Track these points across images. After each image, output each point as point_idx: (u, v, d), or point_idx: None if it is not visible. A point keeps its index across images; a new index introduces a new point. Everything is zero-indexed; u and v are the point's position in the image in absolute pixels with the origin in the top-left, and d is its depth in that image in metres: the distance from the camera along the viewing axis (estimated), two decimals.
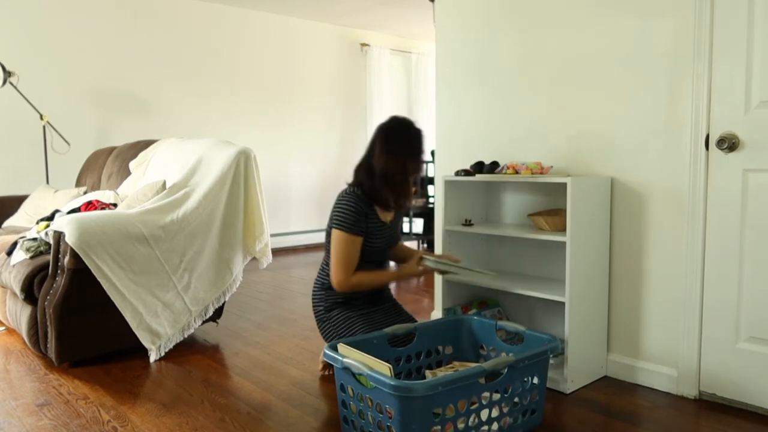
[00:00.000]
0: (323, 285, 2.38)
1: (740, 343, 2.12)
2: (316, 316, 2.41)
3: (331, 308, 2.35)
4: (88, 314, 2.64)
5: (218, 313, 3.09)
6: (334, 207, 2.29)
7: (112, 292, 2.57)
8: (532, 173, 2.44)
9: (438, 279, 3.09)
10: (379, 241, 2.35)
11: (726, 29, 2.09)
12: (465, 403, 1.73)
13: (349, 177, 2.39)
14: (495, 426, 1.84)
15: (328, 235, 2.33)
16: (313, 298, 2.43)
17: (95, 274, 2.53)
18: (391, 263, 2.62)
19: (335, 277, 2.24)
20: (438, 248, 2.93)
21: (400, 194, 2.30)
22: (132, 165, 3.66)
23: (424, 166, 2.36)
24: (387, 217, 2.40)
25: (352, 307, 2.34)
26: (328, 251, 2.36)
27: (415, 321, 2.37)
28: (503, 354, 2.17)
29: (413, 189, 2.36)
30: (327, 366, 2.56)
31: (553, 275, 2.66)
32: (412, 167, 2.29)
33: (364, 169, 2.31)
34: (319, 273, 2.44)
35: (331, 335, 2.33)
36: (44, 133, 4.56)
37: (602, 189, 2.41)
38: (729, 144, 2.08)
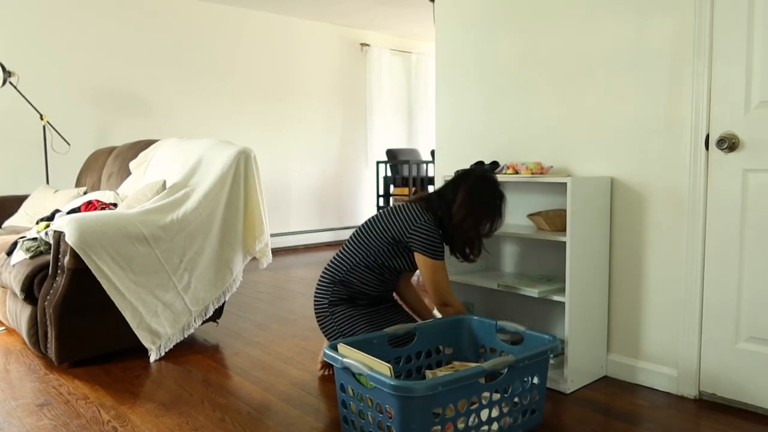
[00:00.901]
0: (333, 279, 2.36)
1: (740, 343, 2.12)
2: (317, 311, 2.38)
3: (336, 303, 2.34)
4: (88, 314, 2.64)
5: (218, 313, 3.09)
6: (414, 230, 2.27)
7: (112, 292, 2.57)
8: (532, 173, 2.44)
9: None
10: (409, 264, 2.38)
11: (726, 29, 2.09)
12: (465, 403, 1.73)
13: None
14: (495, 426, 1.84)
15: (379, 240, 2.31)
16: (316, 292, 2.41)
17: (95, 274, 2.53)
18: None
19: (443, 299, 2.34)
20: None
21: (468, 247, 2.34)
22: (132, 165, 3.66)
23: (501, 223, 2.38)
24: None
25: (356, 306, 2.34)
26: (360, 249, 2.33)
27: (417, 321, 2.37)
28: (503, 354, 2.17)
29: (482, 247, 2.38)
30: (326, 366, 2.56)
31: (553, 275, 2.66)
32: (488, 229, 2.32)
33: (443, 209, 2.32)
34: (332, 267, 2.39)
35: (333, 333, 2.33)
36: (44, 133, 4.56)
37: (602, 189, 2.41)
38: (729, 144, 2.08)
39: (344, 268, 2.35)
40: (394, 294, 2.64)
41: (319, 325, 2.39)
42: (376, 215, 2.39)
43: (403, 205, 2.38)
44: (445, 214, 2.31)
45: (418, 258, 2.30)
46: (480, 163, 2.71)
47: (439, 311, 2.38)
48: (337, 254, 2.42)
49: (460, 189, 2.31)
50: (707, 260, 2.18)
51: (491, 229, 2.33)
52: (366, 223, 2.39)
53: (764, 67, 2.02)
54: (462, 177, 2.35)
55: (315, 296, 2.42)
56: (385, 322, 2.31)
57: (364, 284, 2.33)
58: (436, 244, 2.27)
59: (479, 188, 2.30)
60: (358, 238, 2.36)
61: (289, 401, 2.26)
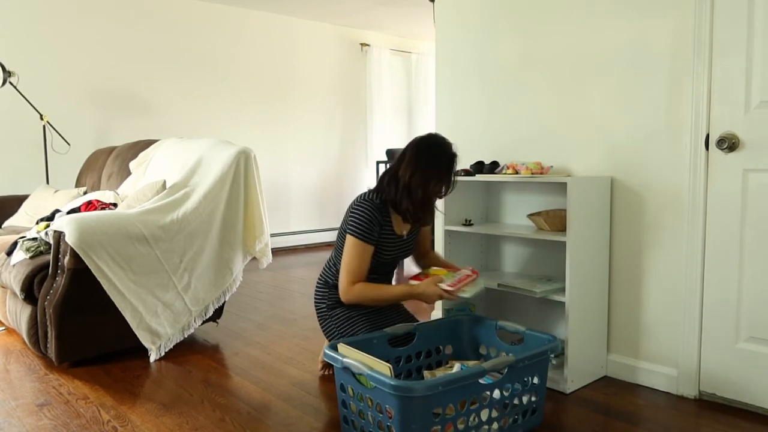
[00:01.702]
0: (327, 283, 2.38)
1: (740, 342, 2.12)
2: (318, 314, 2.40)
3: (334, 306, 2.35)
4: (88, 314, 2.64)
5: (218, 313, 3.09)
6: (350, 211, 2.26)
7: (112, 292, 2.57)
8: (532, 173, 2.44)
9: None
10: (389, 254, 2.32)
11: (726, 29, 2.09)
12: (465, 403, 1.73)
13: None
14: (495, 426, 1.84)
15: (341, 236, 2.32)
16: (315, 295, 2.42)
17: (95, 274, 2.53)
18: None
19: (340, 284, 2.22)
20: (438, 248, 2.93)
21: (418, 208, 2.24)
22: (132, 165, 3.66)
23: (450, 189, 2.30)
24: (403, 229, 2.35)
25: (354, 307, 2.34)
26: (338, 250, 2.35)
27: (417, 321, 2.37)
28: (503, 354, 2.17)
29: (433, 206, 2.31)
30: (326, 366, 2.56)
31: (553, 275, 2.66)
32: (436, 187, 2.22)
33: (389, 176, 2.26)
34: (325, 270, 2.42)
35: (333, 334, 2.33)
36: (44, 133, 4.56)
37: (602, 189, 2.41)
38: (729, 144, 2.08)
39: (332, 272, 2.37)
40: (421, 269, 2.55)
41: (321, 327, 2.40)
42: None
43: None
44: (393, 182, 2.23)
45: (346, 240, 2.21)
46: (480, 164, 2.71)
47: (342, 295, 2.22)
48: (328, 258, 2.43)
49: (407, 152, 2.24)
50: (707, 260, 2.18)
51: (442, 190, 2.24)
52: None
53: (764, 66, 2.02)
54: (410, 142, 2.28)
55: (315, 300, 2.43)
56: (385, 322, 2.31)
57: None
58: (361, 222, 2.18)
59: (424, 147, 2.23)
60: (336, 242, 2.38)
61: (289, 401, 2.26)
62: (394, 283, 2.48)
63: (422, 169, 2.20)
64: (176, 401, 2.27)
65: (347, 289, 2.20)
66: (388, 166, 6.40)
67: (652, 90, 2.30)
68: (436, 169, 2.21)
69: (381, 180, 2.30)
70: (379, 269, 2.36)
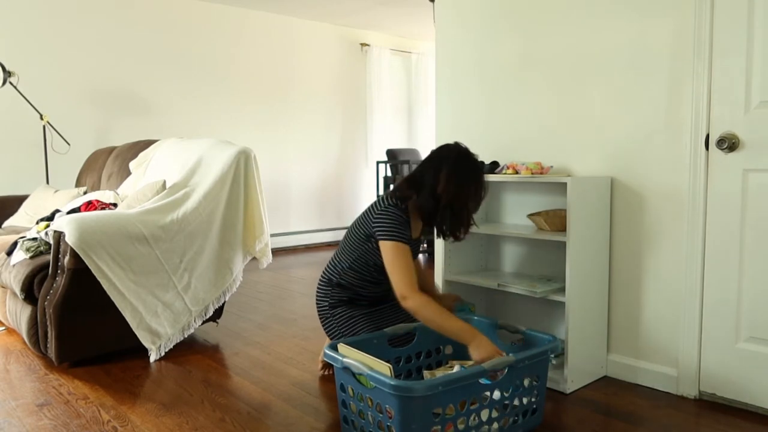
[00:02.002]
0: (330, 281, 2.37)
1: (740, 342, 2.12)
2: (319, 312, 2.39)
3: (336, 305, 2.34)
4: (88, 314, 2.64)
5: (218, 313, 3.09)
6: (376, 217, 2.22)
7: (112, 292, 2.57)
8: (532, 173, 2.44)
9: (438, 279, 3.09)
10: None
11: (726, 29, 2.09)
12: (465, 403, 1.73)
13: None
14: (495, 426, 1.84)
15: (351, 237, 2.31)
16: (317, 293, 2.41)
17: (95, 274, 2.53)
18: None
19: (400, 289, 2.12)
20: (438, 248, 2.92)
21: (459, 225, 2.24)
22: (132, 165, 3.66)
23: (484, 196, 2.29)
24: (416, 233, 2.36)
25: (356, 306, 2.34)
26: (344, 251, 2.33)
27: (418, 321, 2.37)
28: (503, 354, 2.17)
29: (471, 221, 2.30)
30: (326, 366, 2.56)
31: (553, 275, 2.66)
32: (476, 204, 2.24)
33: (426, 192, 2.21)
34: (328, 268, 2.40)
35: (335, 333, 2.33)
36: (44, 133, 4.56)
37: (602, 189, 2.41)
38: (729, 144, 2.08)
39: (337, 272, 2.36)
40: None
41: (322, 325, 2.39)
42: (358, 217, 2.38)
43: (375, 200, 2.32)
44: (428, 198, 2.21)
45: (382, 246, 2.18)
46: (480, 163, 2.71)
47: (404, 300, 2.11)
48: (332, 256, 2.43)
49: (443, 170, 2.21)
50: (707, 260, 2.18)
51: (479, 204, 2.27)
52: (351, 225, 2.38)
53: (764, 66, 2.02)
54: (440, 157, 2.25)
55: (316, 298, 2.42)
56: (387, 321, 2.31)
57: (356, 286, 2.33)
58: (395, 226, 2.17)
59: (464, 165, 2.23)
60: (344, 241, 2.37)
61: (289, 401, 2.26)
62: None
63: (464, 188, 2.19)
64: (176, 401, 2.27)
65: (409, 294, 2.08)
66: (388, 166, 6.40)
67: (652, 90, 2.30)
68: (476, 183, 2.21)
69: (405, 190, 2.26)
70: (383, 278, 2.37)
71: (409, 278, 2.11)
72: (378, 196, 2.31)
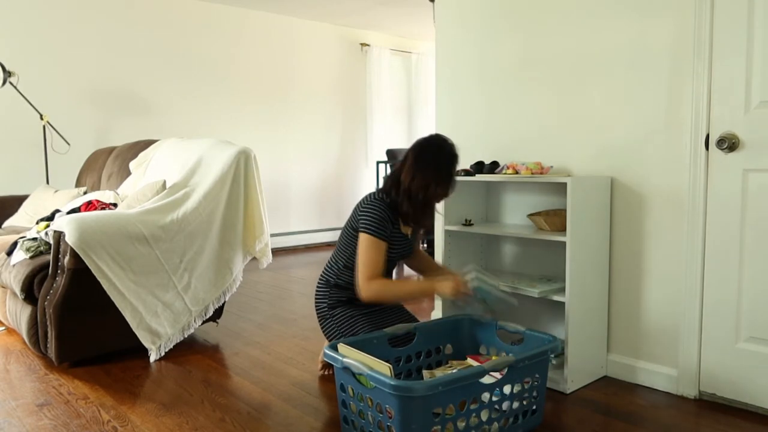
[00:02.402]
0: (328, 282, 2.38)
1: (740, 343, 2.12)
2: (318, 313, 2.40)
3: (335, 306, 2.35)
4: (88, 314, 2.64)
5: (218, 313, 3.09)
6: (361, 210, 2.26)
7: (112, 292, 2.57)
8: (532, 173, 2.44)
9: None
10: (395, 252, 2.33)
11: (726, 29, 2.09)
12: (465, 403, 1.73)
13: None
14: (495, 426, 1.84)
15: (345, 235, 2.33)
16: (316, 295, 2.42)
17: (95, 274, 2.53)
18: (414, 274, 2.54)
19: (359, 280, 2.19)
20: (438, 248, 2.93)
21: (418, 213, 2.26)
22: (132, 165, 3.66)
23: (451, 191, 2.29)
24: (407, 229, 2.37)
25: (355, 306, 2.34)
26: (339, 250, 2.36)
27: (418, 321, 2.37)
28: (503, 354, 2.17)
29: (434, 210, 2.32)
30: (326, 366, 2.56)
31: (553, 275, 2.66)
32: (436, 191, 2.23)
33: (392, 179, 2.27)
34: (326, 270, 2.42)
35: (334, 334, 2.33)
36: (44, 133, 4.56)
37: (602, 189, 2.41)
38: (729, 144, 2.08)
39: (334, 272, 2.36)
40: (411, 269, 2.57)
41: (321, 327, 2.40)
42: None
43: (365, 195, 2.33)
44: (395, 185, 2.24)
45: (359, 237, 2.20)
46: (480, 164, 2.71)
47: (359, 292, 2.19)
48: (329, 258, 2.44)
49: (408, 155, 2.25)
50: (707, 260, 2.18)
51: (441, 193, 2.24)
52: (344, 225, 2.40)
53: (764, 66, 2.02)
54: (411, 148, 2.28)
55: (315, 299, 2.43)
56: (386, 321, 2.31)
57: (353, 285, 2.32)
58: (375, 220, 2.19)
59: (425, 149, 2.23)
60: (339, 241, 2.38)
61: (289, 401, 2.26)
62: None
63: (422, 172, 2.21)
64: (176, 401, 2.27)
65: (366, 284, 2.16)
66: (389, 166, 6.42)
67: (652, 90, 2.30)
68: (436, 171, 2.21)
69: (386, 181, 2.32)
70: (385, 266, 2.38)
71: (369, 270, 2.16)
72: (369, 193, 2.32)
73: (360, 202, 2.31)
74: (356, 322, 2.29)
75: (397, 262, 2.44)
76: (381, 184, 6.30)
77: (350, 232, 2.31)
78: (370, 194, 2.30)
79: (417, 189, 2.20)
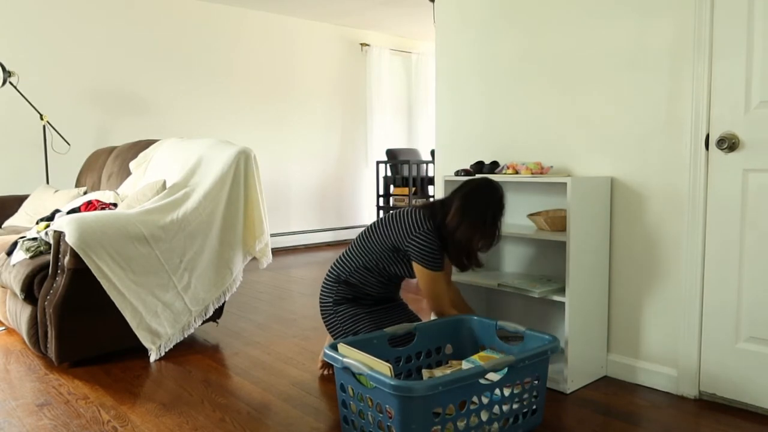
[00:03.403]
0: (338, 278, 2.36)
1: (740, 343, 2.12)
2: (322, 308, 2.39)
3: (339, 302, 2.35)
4: (88, 314, 2.64)
5: (218, 313, 3.09)
6: (413, 238, 2.22)
7: (112, 292, 2.57)
8: (532, 173, 2.44)
9: None
10: None
11: (726, 29, 2.09)
12: (465, 403, 1.73)
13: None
14: (495, 426, 1.84)
15: (369, 238, 2.32)
16: (322, 289, 2.41)
17: (95, 274, 2.53)
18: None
19: (437, 309, 2.33)
20: None
21: (462, 258, 2.27)
22: (132, 165, 3.66)
23: (495, 242, 2.30)
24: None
25: (360, 305, 2.35)
26: (363, 250, 2.33)
27: (420, 320, 2.37)
28: (503, 354, 2.17)
29: (479, 255, 2.31)
30: (326, 365, 2.56)
31: (553, 275, 2.66)
32: (480, 242, 2.24)
33: (440, 214, 2.26)
34: (338, 266, 2.39)
35: (337, 330, 2.33)
36: (44, 133, 4.56)
37: (602, 189, 2.41)
38: (729, 144, 2.08)
39: (347, 269, 2.35)
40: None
41: (324, 322, 2.40)
42: (382, 218, 2.36)
43: (406, 211, 2.30)
44: (442, 223, 2.25)
45: (416, 267, 2.26)
46: (480, 164, 2.71)
47: (446, 314, 2.35)
48: (343, 254, 2.42)
49: (455, 198, 2.25)
50: (707, 260, 2.18)
51: (486, 244, 2.26)
52: (371, 225, 2.38)
53: (764, 66, 2.02)
54: (462, 185, 2.29)
55: (320, 294, 2.42)
56: (389, 321, 2.31)
57: (366, 285, 2.34)
58: (433, 254, 2.22)
59: (473, 199, 2.22)
60: (363, 241, 2.36)
61: (289, 401, 2.26)
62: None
63: (468, 222, 2.20)
64: (176, 401, 2.27)
65: (449, 310, 2.34)
66: (388, 166, 6.40)
67: (652, 90, 2.30)
68: (482, 223, 2.21)
69: (434, 210, 2.28)
70: (399, 280, 2.41)
71: (445, 301, 2.32)
72: (413, 210, 2.31)
73: (408, 222, 2.26)
74: (359, 320, 2.29)
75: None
76: (383, 187, 6.35)
77: (385, 244, 2.28)
78: (418, 217, 2.25)
79: (461, 238, 2.21)
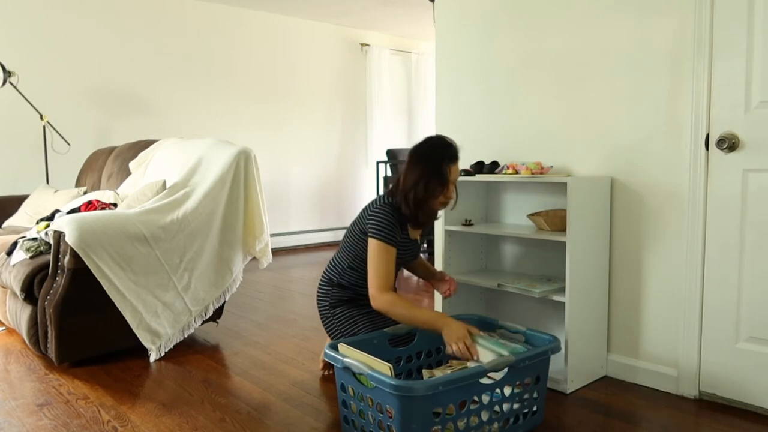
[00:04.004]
0: (331, 281, 2.37)
1: (740, 343, 2.13)
2: (320, 312, 2.40)
3: (336, 305, 2.35)
4: (88, 314, 2.64)
5: (218, 313, 3.09)
6: (369, 214, 2.23)
7: (112, 292, 2.57)
8: (532, 173, 2.44)
9: None
10: (402, 257, 2.33)
11: (726, 29, 2.09)
12: (465, 403, 1.73)
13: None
14: (495, 426, 1.84)
15: (350, 236, 2.32)
16: (318, 293, 2.42)
17: (95, 274, 2.53)
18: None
19: (371, 289, 2.17)
20: (438, 248, 2.93)
21: (416, 214, 2.22)
22: (132, 165, 3.66)
23: (446, 190, 2.22)
24: (416, 234, 2.38)
25: (357, 306, 2.34)
26: (344, 250, 2.35)
27: None
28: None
29: (433, 209, 2.27)
30: (327, 366, 2.56)
31: (553, 275, 2.66)
32: (428, 186, 2.17)
33: (394, 183, 2.27)
34: (329, 268, 2.41)
35: (335, 333, 2.33)
36: (44, 133, 4.56)
37: (602, 189, 2.41)
38: (729, 144, 2.08)
39: (337, 271, 2.36)
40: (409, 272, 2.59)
41: (323, 324, 2.40)
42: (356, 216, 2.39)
43: (373, 198, 2.32)
44: (396, 186, 2.25)
45: (369, 242, 2.19)
46: (480, 164, 2.71)
47: (371, 300, 2.15)
48: (333, 257, 2.43)
49: (407, 159, 2.25)
50: (707, 260, 2.18)
51: (433, 187, 2.17)
52: (350, 225, 2.39)
53: (764, 66, 2.02)
54: (410, 150, 2.28)
55: (317, 298, 2.43)
56: (387, 321, 2.31)
57: (358, 285, 2.33)
58: (384, 225, 2.18)
59: (418, 148, 2.23)
60: (344, 241, 2.38)
61: (289, 401, 2.26)
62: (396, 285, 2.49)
63: (414, 169, 2.19)
64: (176, 401, 2.27)
65: (378, 295, 2.14)
66: (389, 166, 6.42)
67: (652, 90, 2.30)
68: (426, 167, 2.18)
69: (391, 188, 2.30)
70: None
71: (382, 279, 2.14)
72: (378, 195, 2.31)
73: (368, 205, 2.29)
74: (357, 321, 2.29)
75: (402, 266, 2.44)
76: (383, 186, 6.35)
77: (357, 234, 2.29)
78: (378, 197, 2.30)
79: (410, 187, 2.18)
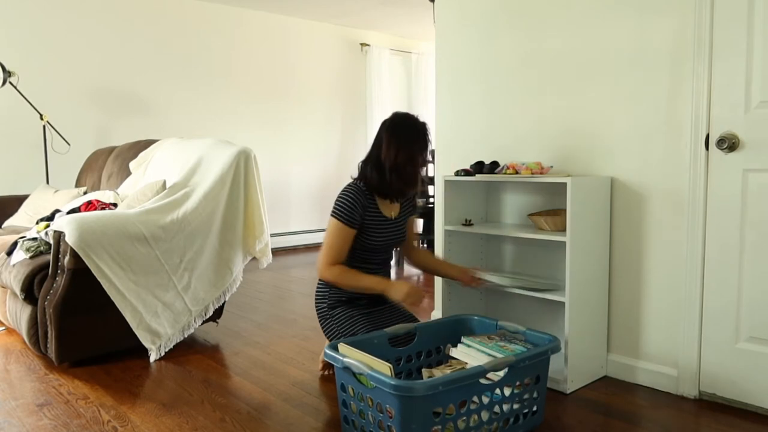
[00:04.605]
0: (327, 282, 2.38)
1: (740, 343, 2.13)
2: (318, 313, 2.41)
3: (334, 306, 2.35)
4: (88, 314, 2.64)
5: (218, 313, 3.09)
6: (338, 196, 2.33)
7: (112, 292, 2.57)
8: (532, 173, 2.44)
9: (438, 279, 3.09)
10: (379, 238, 2.34)
11: (726, 29, 2.09)
12: (465, 403, 1.73)
13: (348, 177, 2.40)
14: (495, 426, 1.84)
15: None
16: (316, 295, 2.43)
17: (95, 274, 2.53)
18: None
19: (319, 263, 2.30)
20: (438, 248, 2.93)
21: (410, 183, 2.33)
22: (132, 165, 3.66)
23: (429, 157, 2.40)
24: (391, 212, 2.39)
25: (355, 306, 2.35)
26: None
27: (418, 321, 2.37)
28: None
29: (420, 178, 2.39)
30: (327, 366, 2.56)
31: (553, 275, 2.66)
32: (421, 157, 2.32)
33: (371, 164, 2.33)
34: None
35: (334, 333, 2.34)
36: (44, 133, 4.56)
37: (602, 189, 2.41)
38: (729, 144, 2.08)
39: None
40: (413, 267, 2.63)
41: (321, 326, 2.40)
42: None
43: None
44: (377, 168, 2.30)
45: (328, 222, 2.31)
46: (480, 163, 2.71)
47: (318, 273, 2.31)
48: None
49: (382, 137, 2.32)
50: (707, 260, 2.19)
51: (425, 158, 2.35)
52: None
53: (764, 67, 2.02)
54: (380, 128, 2.36)
55: (315, 298, 2.43)
56: (386, 321, 2.31)
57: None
58: (343, 205, 2.27)
59: (398, 126, 2.31)
60: None
61: (289, 401, 2.26)
62: (393, 277, 2.50)
63: (404, 145, 2.27)
64: (176, 401, 2.27)
65: (325, 268, 2.27)
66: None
67: (652, 90, 2.30)
68: (416, 140, 2.30)
69: (362, 169, 2.36)
70: (373, 257, 2.38)
71: (331, 256, 2.26)
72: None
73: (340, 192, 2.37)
74: (356, 322, 2.29)
75: (389, 250, 2.44)
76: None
77: None
78: (347, 184, 2.36)
79: (404, 162, 2.27)
